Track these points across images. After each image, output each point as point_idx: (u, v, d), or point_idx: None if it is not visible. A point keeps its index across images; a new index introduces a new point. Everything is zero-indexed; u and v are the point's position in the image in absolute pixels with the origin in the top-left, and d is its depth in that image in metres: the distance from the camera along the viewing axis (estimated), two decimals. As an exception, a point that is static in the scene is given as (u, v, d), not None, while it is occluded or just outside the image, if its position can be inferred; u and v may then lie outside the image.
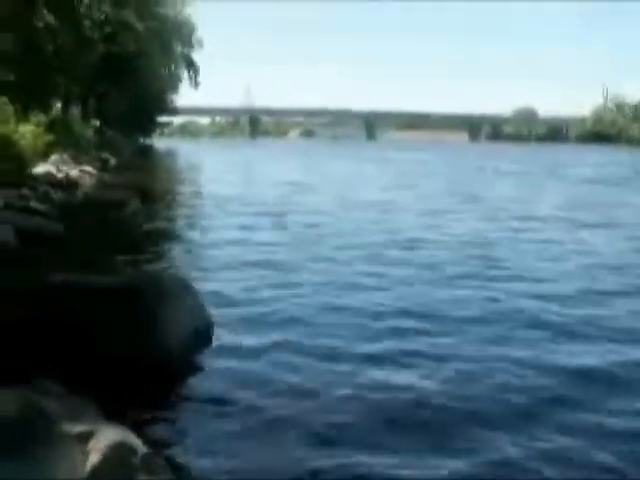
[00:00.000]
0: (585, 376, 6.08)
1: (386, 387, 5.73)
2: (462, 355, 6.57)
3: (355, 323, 7.58)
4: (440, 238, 13.68)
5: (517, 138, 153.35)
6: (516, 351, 6.69)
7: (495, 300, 8.71)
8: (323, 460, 4.51)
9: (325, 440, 4.82)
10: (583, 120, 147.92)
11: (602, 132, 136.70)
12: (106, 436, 3.55)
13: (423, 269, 10.64)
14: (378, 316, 7.87)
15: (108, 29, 43.40)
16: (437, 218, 17.00)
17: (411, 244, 12.88)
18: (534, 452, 4.64)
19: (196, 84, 67.89)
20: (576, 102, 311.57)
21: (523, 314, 8.06)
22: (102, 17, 40.97)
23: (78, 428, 3.57)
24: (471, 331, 7.36)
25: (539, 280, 9.99)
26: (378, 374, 6.03)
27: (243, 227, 14.76)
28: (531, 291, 9.23)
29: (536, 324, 7.66)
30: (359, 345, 6.82)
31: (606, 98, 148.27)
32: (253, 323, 7.49)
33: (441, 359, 6.44)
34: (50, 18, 33.27)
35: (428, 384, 5.79)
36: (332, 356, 6.46)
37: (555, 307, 8.37)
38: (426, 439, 4.86)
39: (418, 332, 7.30)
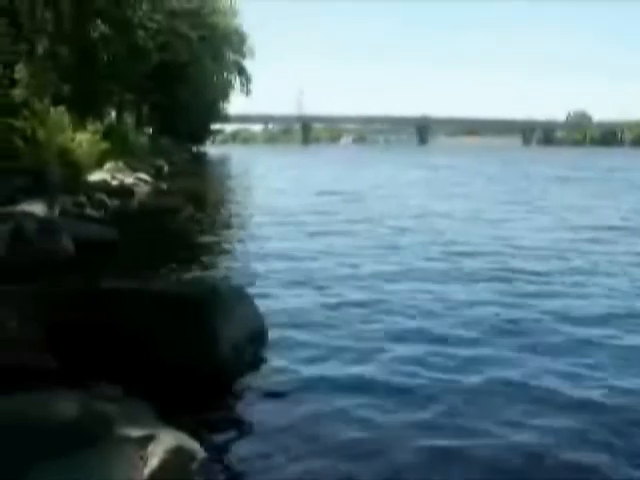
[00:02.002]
0: None
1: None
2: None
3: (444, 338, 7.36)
4: (515, 252, 12.56)
5: (570, 142, 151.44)
6: None
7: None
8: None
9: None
10: (639, 124, 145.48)
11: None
12: (165, 441, 3.55)
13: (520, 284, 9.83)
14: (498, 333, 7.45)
15: (161, 38, 43.90)
16: (503, 228, 16.08)
17: (486, 256, 12.04)
18: None
19: (248, 92, 68.42)
20: (632, 105, 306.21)
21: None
22: (155, 27, 41.49)
23: (137, 432, 3.57)
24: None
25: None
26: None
27: (293, 235, 14.63)
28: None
29: None
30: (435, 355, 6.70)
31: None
32: (309, 331, 7.45)
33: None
34: (104, 28, 33.82)
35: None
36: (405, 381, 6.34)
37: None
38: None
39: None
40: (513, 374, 6.09)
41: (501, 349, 6.83)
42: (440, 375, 6.04)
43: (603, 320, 7.94)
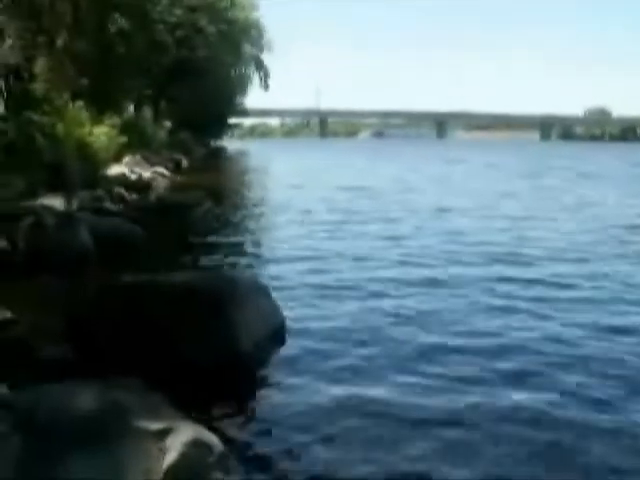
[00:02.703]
0: None
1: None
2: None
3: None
4: (551, 254, 12.04)
5: (589, 138, 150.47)
6: None
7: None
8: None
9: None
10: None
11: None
12: (184, 433, 3.57)
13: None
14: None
15: (180, 33, 43.94)
16: (536, 228, 15.41)
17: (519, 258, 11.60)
18: None
19: (266, 86, 68.25)
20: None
21: None
22: (174, 21, 41.54)
23: (156, 424, 3.59)
24: None
25: None
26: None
27: (311, 231, 14.56)
28: None
29: None
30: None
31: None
32: (328, 327, 7.43)
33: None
34: (124, 23, 33.88)
35: None
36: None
37: None
38: None
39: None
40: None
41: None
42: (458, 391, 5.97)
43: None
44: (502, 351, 6.66)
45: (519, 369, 6.18)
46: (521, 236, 13.98)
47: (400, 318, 7.79)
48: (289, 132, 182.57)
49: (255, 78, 67.37)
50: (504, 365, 6.27)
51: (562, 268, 10.77)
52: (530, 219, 16.97)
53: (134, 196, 18.71)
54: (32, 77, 29.12)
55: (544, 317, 7.88)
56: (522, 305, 8.36)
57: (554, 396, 5.55)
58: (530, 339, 7.00)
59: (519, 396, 5.53)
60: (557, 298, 8.77)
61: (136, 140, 31.00)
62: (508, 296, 8.86)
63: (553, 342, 6.93)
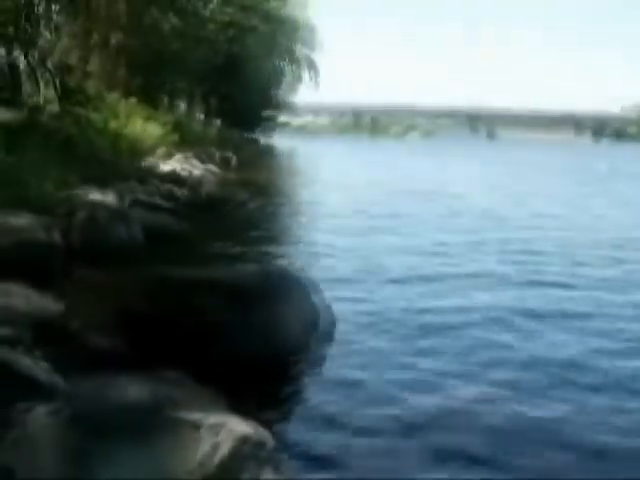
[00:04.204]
0: None
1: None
2: None
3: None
4: None
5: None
6: None
7: None
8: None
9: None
10: None
11: None
12: (235, 428, 3.56)
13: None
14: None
15: (231, 31, 44.18)
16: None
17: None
18: None
19: (317, 84, 68.33)
20: None
21: None
22: (226, 20, 41.80)
23: (207, 419, 3.60)
24: None
25: None
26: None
27: (360, 231, 14.44)
28: None
29: None
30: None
31: None
32: (376, 322, 7.41)
33: None
34: (176, 21, 34.19)
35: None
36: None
37: None
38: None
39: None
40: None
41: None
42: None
43: None
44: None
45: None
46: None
47: (462, 317, 7.76)
48: (339, 130, 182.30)
49: (305, 76, 67.56)
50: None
51: None
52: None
53: (185, 192, 18.79)
54: (86, 75, 29.54)
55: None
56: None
57: None
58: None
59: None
60: None
61: (187, 137, 31.20)
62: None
63: None
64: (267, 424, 3.96)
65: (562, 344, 6.93)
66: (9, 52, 24.80)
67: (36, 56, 23.73)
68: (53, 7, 25.54)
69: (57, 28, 26.88)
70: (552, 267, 11.03)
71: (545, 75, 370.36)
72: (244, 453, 3.50)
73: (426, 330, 7.24)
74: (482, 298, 8.75)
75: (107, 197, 13.59)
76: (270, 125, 70.40)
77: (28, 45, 22.49)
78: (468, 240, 13.16)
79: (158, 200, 16.06)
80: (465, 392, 5.58)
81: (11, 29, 21.78)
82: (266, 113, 59.80)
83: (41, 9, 23.71)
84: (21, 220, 10.14)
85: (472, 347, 6.73)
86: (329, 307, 6.78)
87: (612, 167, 42.69)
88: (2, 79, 24.65)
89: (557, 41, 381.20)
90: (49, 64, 26.61)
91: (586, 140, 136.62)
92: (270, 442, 3.65)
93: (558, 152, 72.71)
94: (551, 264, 11.31)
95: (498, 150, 76.17)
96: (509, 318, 7.78)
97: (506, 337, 7.11)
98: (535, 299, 8.78)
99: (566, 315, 8.06)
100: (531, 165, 44.81)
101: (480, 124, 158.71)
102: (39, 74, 24.34)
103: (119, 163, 18.84)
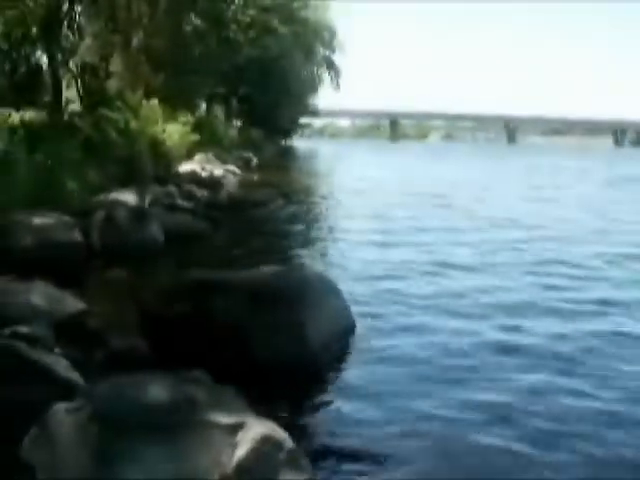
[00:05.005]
0: None
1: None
2: None
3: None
4: None
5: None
6: None
7: None
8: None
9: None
10: None
11: None
12: (254, 429, 3.56)
13: None
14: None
15: (253, 33, 44.29)
16: None
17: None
18: None
19: (337, 86, 68.34)
20: None
21: None
22: (248, 21, 41.90)
23: (227, 419, 3.60)
24: None
25: None
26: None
27: (381, 233, 14.14)
28: None
29: None
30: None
31: None
32: (397, 327, 7.38)
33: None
34: (198, 22, 34.31)
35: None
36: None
37: None
38: None
39: None
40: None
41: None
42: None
43: None
44: None
45: None
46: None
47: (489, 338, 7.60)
48: (359, 133, 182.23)
49: (326, 78, 67.60)
50: None
51: None
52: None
53: (205, 193, 18.85)
54: (108, 75, 29.70)
55: None
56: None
57: None
58: None
59: None
60: None
61: (208, 138, 31.29)
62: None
63: None
64: (286, 426, 3.95)
65: None
66: (33, 53, 25.05)
67: (59, 57, 23.89)
68: (76, 8, 25.70)
69: (80, 28, 27.06)
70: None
71: (562, 80, 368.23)
72: (263, 453, 3.50)
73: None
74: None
75: (128, 197, 13.66)
76: (291, 126, 70.48)
77: (52, 46, 22.63)
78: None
79: (178, 200, 16.12)
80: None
81: (36, 30, 21.92)
82: (287, 114, 59.77)
83: (64, 10, 23.86)
84: (44, 219, 10.22)
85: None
86: (349, 311, 6.75)
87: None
88: (26, 80, 24.88)
89: (575, 44, 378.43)
90: (71, 64, 26.82)
91: (606, 145, 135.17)
92: (289, 443, 3.65)
93: (572, 155, 72.27)
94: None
95: (520, 154, 75.82)
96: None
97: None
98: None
99: None
100: (546, 168, 45.08)
101: (501, 128, 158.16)
102: (62, 74, 24.51)
103: (140, 163, 18.91)
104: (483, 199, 22.48)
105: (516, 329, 7.38)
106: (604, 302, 8.57)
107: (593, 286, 9.63)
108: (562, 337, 7.08)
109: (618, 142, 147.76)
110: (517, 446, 4.67)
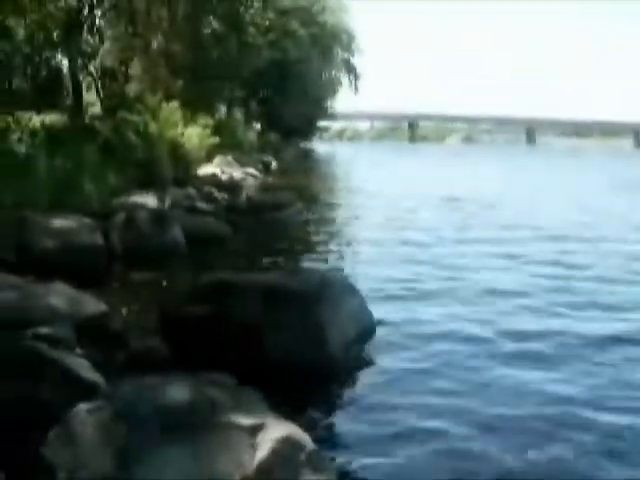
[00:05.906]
0: None
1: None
2: None
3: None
4: None
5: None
6: None
7: None
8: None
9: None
10: None
11: None
12: (275, 430, 3.56)
13: None
14: None
15: (272, 36, 44.36)
16: None
17: None
18: None
19: (356, 89, 68.31)
20: None
21: None
22: (266, 24, 41.95)
23: (247, 420, 3.60)
24: None
25: None
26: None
27: (400, 237, 14.13)
28: None
29: None
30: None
31: None
32: (416, 330, 7.36)
33: None
34: (217, 26, 34.41)
35: None
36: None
37: None
38: None
39: None
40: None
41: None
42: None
43: None
44: None
45: None
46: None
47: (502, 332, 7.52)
48: (378, 136, 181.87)
49: (345, 81, 67.59)
50: None
51: None
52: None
53: (224, 196, 18.89)
54: (127, 79, 29.85)
55: None
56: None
57: None
58: None
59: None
60: None
61: (227, 141, 31.32)
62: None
63: None
64: (307, 428, 3.95)
65: None
66: (54, 57, 25.20)
67: (80, 60, 24.03)
68: (97, 12, 25.84)
69: (100, 32, 27.19)
70: None
71: (581, 81, 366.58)
72: (284, 455, 3.50)
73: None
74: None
75: (147, 199, 13.72)
76: (310, 129, 70.54)
77: (72, 50, 22.76)
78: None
79: (199, 203, 16.17)
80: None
81: (56, 34, 22.05)
82: (306, 117, 59.82)
83: (85, 14, 24.00)
84: (65, 222, 10.26)
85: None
86: (369, 312, 6.73)
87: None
88: (47, 83, 25.04)
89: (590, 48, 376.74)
90: (92, 68, 26.97)
91: (627, 146, 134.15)
92: (310, 444, 3.64)
93: (593, 158, 71.65)
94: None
95: (541, 156, 75.38)
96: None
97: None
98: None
99: None
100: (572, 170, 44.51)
101: (520, 130, 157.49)
102: (82, 78, 24.65)
103: (159, 166, 18.97)
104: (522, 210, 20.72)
105: (538, 337, 7.32)
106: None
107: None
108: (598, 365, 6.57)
109: (638, 144, 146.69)
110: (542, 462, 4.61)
